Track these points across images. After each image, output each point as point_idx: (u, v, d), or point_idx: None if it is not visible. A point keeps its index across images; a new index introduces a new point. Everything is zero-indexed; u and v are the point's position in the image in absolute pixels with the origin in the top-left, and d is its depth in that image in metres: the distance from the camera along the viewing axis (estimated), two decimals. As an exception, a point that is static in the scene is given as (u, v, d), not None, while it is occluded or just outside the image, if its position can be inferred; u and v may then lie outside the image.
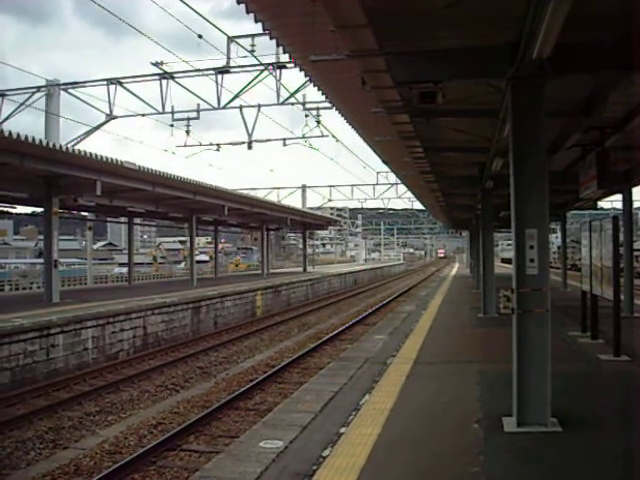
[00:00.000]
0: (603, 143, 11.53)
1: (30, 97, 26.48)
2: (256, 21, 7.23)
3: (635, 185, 17.87)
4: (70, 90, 26.75)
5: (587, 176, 12.52)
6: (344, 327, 23.27)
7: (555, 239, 48.46)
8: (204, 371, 16.52)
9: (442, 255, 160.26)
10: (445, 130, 12.73)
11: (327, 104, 17.87)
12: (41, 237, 43.73)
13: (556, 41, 5.91)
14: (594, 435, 6.75)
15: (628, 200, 17.74)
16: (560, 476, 5.70)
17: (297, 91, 25.19)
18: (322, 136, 29.75)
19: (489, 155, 14.57)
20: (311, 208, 57.41)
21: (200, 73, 24.44)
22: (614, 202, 49.89)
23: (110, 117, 26.52)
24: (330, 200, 61.24)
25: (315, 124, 28.38)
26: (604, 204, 49.82)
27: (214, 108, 25.87)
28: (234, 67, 23.44)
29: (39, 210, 23.84)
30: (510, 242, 12.92)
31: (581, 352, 11.67)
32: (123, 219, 35.81)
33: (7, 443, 10.48)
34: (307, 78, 10.68)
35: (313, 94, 27.13)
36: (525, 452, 6.21)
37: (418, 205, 57.22)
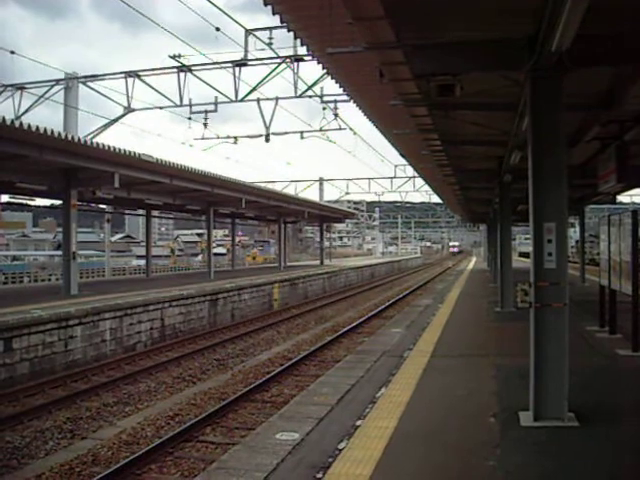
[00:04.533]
0: (623, 136, 11.43)
1: (49, 90, 26.63)
2: (274, 13, 7.22)
3: (655, 179, 17.67)
4: (88, 83, 26.87)
5: (606, 170, 12.42)
6: (361, 320, 23.28)
7: (573, 233, 48.08)
8: (221, 363, 16.59)
9: (455, 250, 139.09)
10: (463, 123, 12.67)
11: (345, 97, 17.82)
12: (60, 229, 44.06)
13: (576, 33, 5.86)
14: (611, 430, 6.71)
15: (648, 194, 17.55)
16: (577, 470, 5.67)
17: (315, 84, 25.10)
18: (340, 129, 29.62)
19: (507, 148, 14.50)
20: (328, 201, 57.44)
21: (218, 66, 24.42)
22: (634, 196, 49.62)
23: (128, 110, 26.61)
24: (347, 193, 61.21)
25: (333, 117, 28.26)
26: (623, 198, 49.55)
27: (232, 101, 25.87)
28: (252, 60, 23.42)
29: (58, 202, 23.98)
30: (528, 236, 12.98)
31: (599, 347, 11.61)
32: (141, 211, 35.93)
33: (26, 433, 10.60)
34: (325, 71, 10.66)
35: (331, 87, 27.11)
36: (541, 446, 6.20)
37: (436, 198, 57.19)
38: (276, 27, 20.73)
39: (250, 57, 23.14)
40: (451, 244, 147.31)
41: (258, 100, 27.48)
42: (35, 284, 34.24)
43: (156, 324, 19.23)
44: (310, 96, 25.91)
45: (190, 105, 26.90)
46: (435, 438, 6.56)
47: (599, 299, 13.22)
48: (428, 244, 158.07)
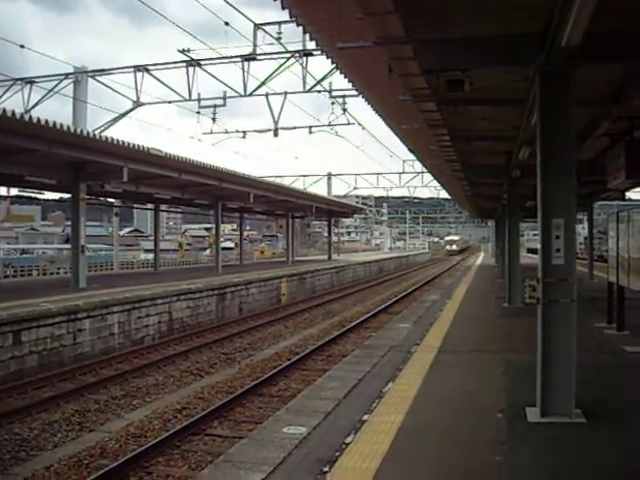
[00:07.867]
0: (632, 132, 11.37)
1: (58, 84, 26.70)
2: (283, 7, 7.22)
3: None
4: (97, 77, 26.92)
5: (615, 166, 12.36)
6: (368, 315, 23.30)
7: (582, 230, 47.96)
8: (228, 357, 16.62)
9: (454, 248, 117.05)
10: (472, 119, 12.64)
11: (353, 92, 17.78)
12: (68, 223, 44.13)
13: (586, 29, 5.84)
14: (618, 427, 6.70)
15: (657, 191, 17.49)
16: (583, 467, 5.67)
17: (323, 79, 25.10)
18: (348, 124, 29.63)
19: (516, 144, 14.46)
20: (336, 196, 57.38)
21: (227, 60, 24.45)
22: (643, 193, 49.29)
23: (137, 104, 26.66)
24: (355, 188, 61.30)
25: (341, 112, 28.26)
26: (632, 195, 49.30)
27: (240, 95, 25.88)
28: (260, 54, 23.43)
29: (67, 196, 24.04)
30: (536, 232, 13.02)
31: (607, 343, 11.59)
32: (149, 205, 35.96)
33: (35, 425, 10.65)
34: (334, 65, 10.66)
35: (339, 82, 27.14)
36: (548, 442, 6.19)
37: (444, 194, 57.12)
38: (285, 22, 20.75)
39: (259, 52, 23.18)
40: (448, 238, 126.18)
41: (267, 95, 27.51)
42: (44, 277, 34.37)
43: (164, 318, 19.27)
44: (319, 91, 25.93)
45: (199, 99, 26.94)
46: (442, 433, 6.56)
47: (607, 295, 13.20)
48: (436, 239, 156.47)
